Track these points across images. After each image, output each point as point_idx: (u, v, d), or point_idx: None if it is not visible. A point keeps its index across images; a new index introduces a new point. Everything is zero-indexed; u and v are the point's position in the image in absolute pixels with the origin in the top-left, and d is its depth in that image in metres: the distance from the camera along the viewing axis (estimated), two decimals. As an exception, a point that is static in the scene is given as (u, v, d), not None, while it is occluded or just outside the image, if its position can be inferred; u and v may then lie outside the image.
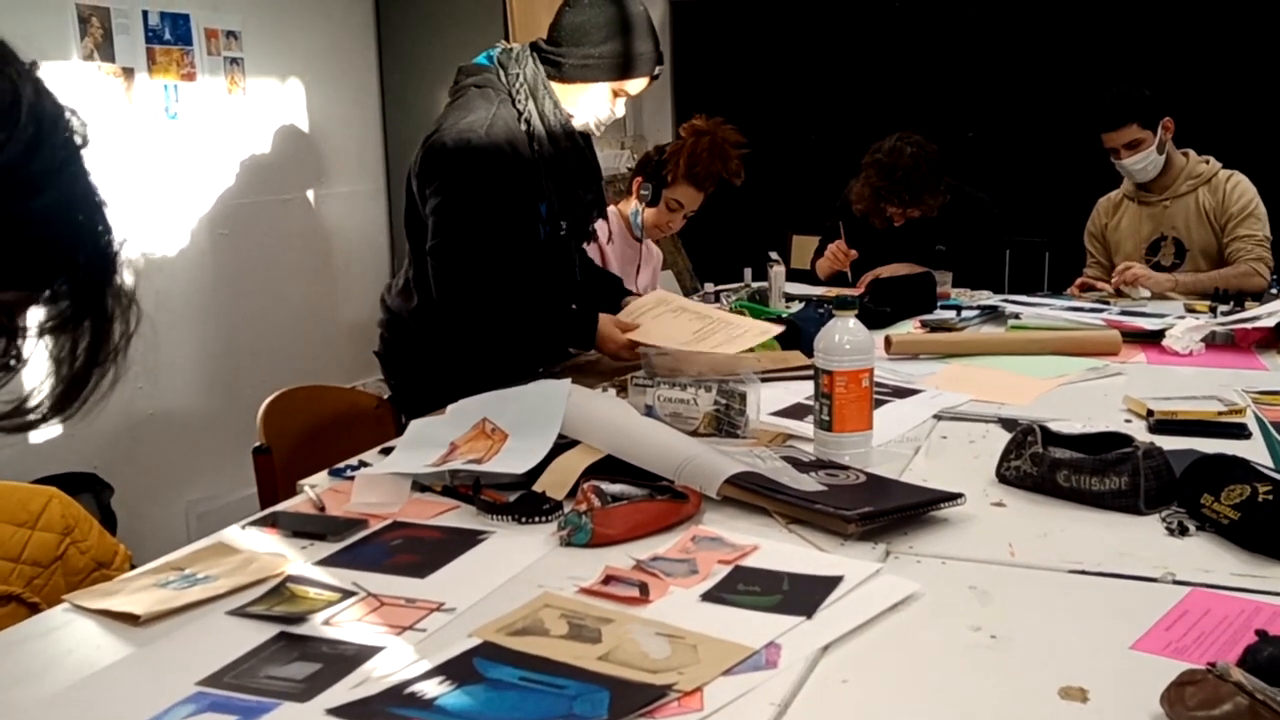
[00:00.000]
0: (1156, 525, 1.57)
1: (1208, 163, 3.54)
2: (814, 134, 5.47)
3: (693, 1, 5.46)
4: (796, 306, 3.25)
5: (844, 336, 1.81)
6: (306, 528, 1.63)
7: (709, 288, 3.70)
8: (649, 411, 1.99)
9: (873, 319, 2.99)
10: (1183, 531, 1.54)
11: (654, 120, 5.61)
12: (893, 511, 1.55)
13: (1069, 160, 4.99)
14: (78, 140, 0.84)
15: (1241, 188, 3.49)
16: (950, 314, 3.12)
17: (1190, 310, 3.08)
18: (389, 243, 4.45)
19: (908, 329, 2.99)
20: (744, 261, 3.75)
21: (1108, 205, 3.72)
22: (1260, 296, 3.13)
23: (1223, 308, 2.98)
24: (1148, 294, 3.37)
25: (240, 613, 1.35)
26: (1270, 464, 1.80)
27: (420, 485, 1.77)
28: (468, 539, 1.57)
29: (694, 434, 1.95)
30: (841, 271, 3.77)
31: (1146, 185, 3.56)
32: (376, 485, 1.74)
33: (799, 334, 2.67)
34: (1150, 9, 4.91)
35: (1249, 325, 2.69)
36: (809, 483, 1.66)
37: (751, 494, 1.62)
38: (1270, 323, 2.66)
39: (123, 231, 0.86)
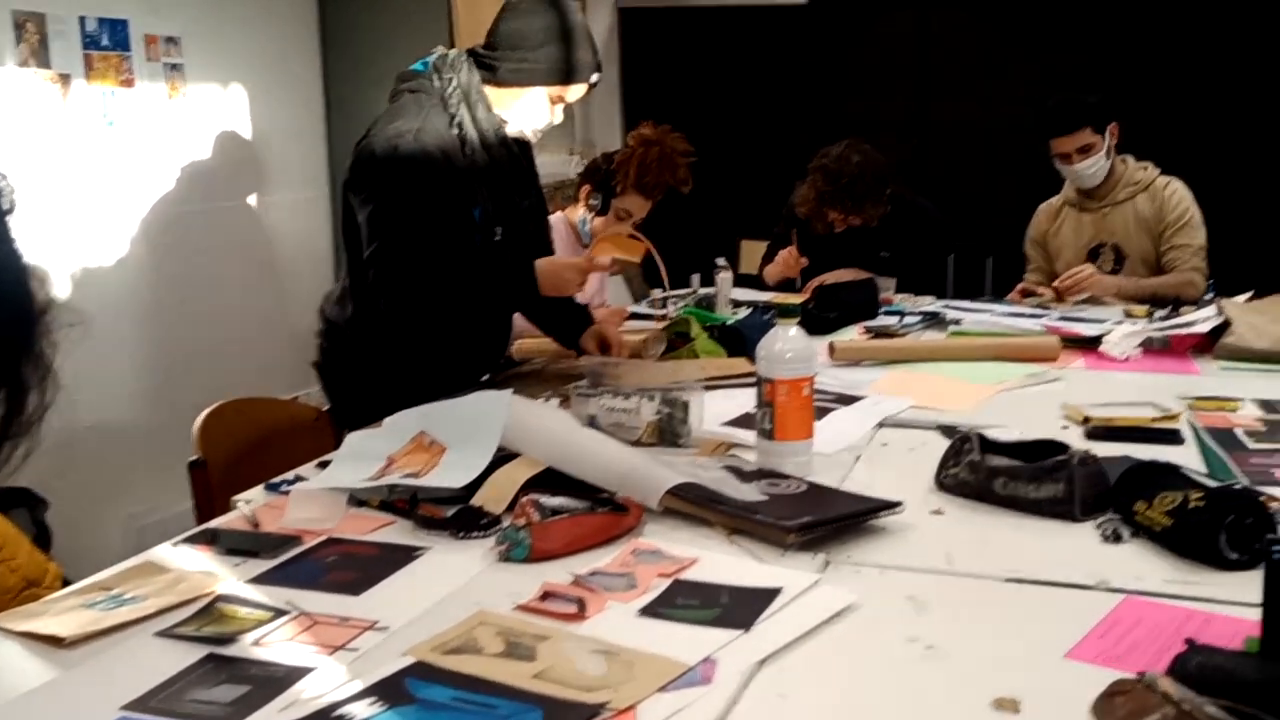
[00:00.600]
0: (1092, 532, 1.59)
1: (1146, 169, 3.59)
2: (763, 139, 5.49)
3: (641, 8, 5.46)
4: (743, 313, 3.26)
5: (785, 345, 1.81)
6: (239, 545, 1.60)
7: (657, 294, 3.70)
8: (591, 422, 1.98)
9: (817, 325, 3.01)
10: (1117, 539, 1.56)
11: (603, 126, 5.61)
12: (832, 521, 1.56)
13: (1011, 167, 5.05)
14: (4, 205, 0.81)
15: (1179, 196, 3.54)
16: (893, 320, 3.14)
17: (1128, 315, 3.12)
18: (332, 251, 4.40)
19: (852, 335, 3.01)
20: (693, 267, 3.75)
21: (1048, 212, 3.75)
22: (1196, 302, 3.18)
23: (1159, 313, 3.02)
24: (1085, 295, 3.40)
25: (168, 634, 1.33)
26: (1203, 470, 1.83)
27: (357, 500, 1.75)
28: (404, 555, 1.55)
29: (637, 444, 1.95)
30: (790, 278, 3.79)
31: (1087, 192, 3.60)
32: (312, 501, 1.72)
33: (744, 341, 2.67)
34: (1090, 16, 4.97)
35: (1184, 331, 2.73)
36: (750, 493, 1.66)
37: (693, 505, 1.62)
38: (1205, 328, 2.70)
39: (48, 296, 0.83)
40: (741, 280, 4.17)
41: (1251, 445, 1.95)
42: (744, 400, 2.28)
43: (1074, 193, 3.65)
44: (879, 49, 5.25)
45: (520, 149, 2.47)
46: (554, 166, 4.99)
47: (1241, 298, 2.91)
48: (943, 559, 1.51)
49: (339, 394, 2.59)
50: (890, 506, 1.62)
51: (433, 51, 2.46)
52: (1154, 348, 2.75)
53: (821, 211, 3.62)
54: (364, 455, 1.86)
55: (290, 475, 1.92)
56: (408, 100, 2.38)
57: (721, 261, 3.44)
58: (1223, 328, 2.67)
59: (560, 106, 2.44)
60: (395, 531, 1.65)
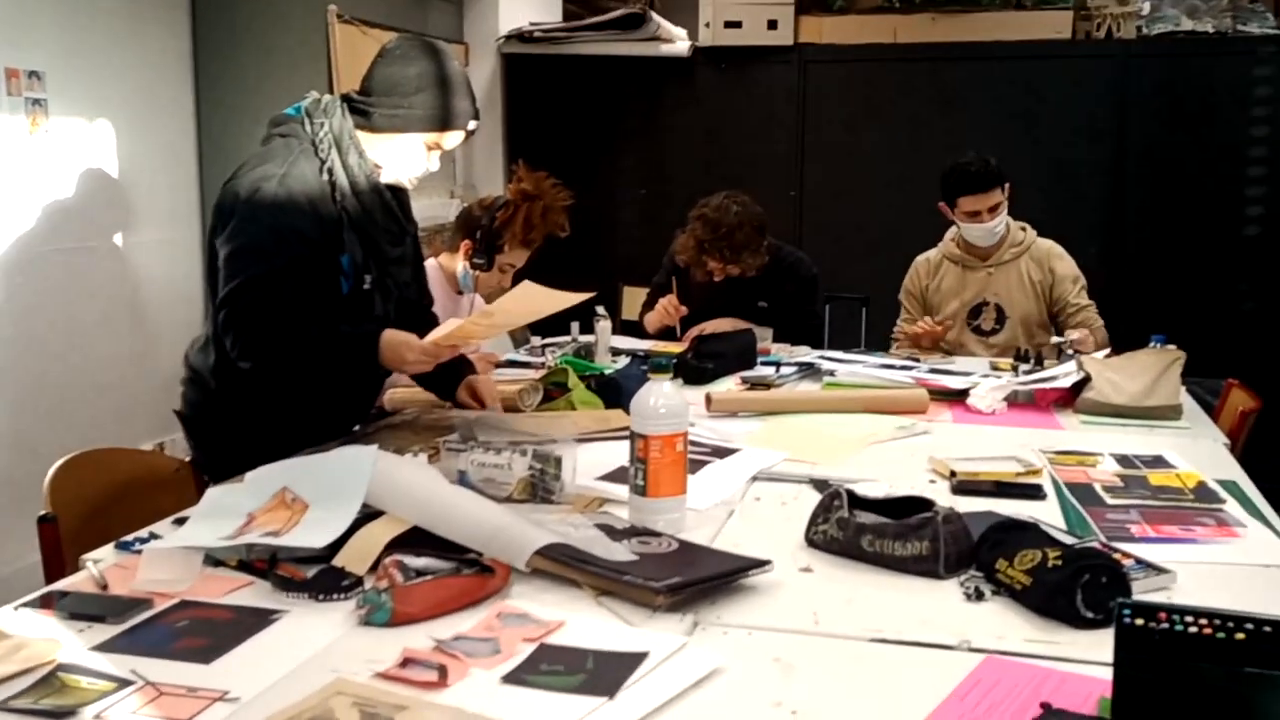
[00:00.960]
0: (955, 590, 1.61)
1: (1025, 230, 3.69)
2: (644, 187, 5.53)
3: (524, 54, 5.46)
4: (622, 362, 3.26)
5: (658, 399, 1.81)
6: (84, 609, 1.52)
7: (535, 341, 3.67)
8: (461, 477, 1.95)
9: (695, 375, 3.03)
10: (979, 597, 1.58)
11: (485, 170, 5.58)
12: (701, 581, 1.55)
13: (885, 217, 5.17)
14: None
15: (1065, 260, 3.66)
16: (769, 370, 3.17)
17: (994, 369, 3.20)
18: (203, 293, 4.28)
19: (729, 385, 3.03)
20: (572, 314, 3.73)
21: (927, 266, 3.80)
22: (1059, 356, 3.28)
23: (1024, 367, 3.10)
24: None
25: (4, 707, 1.25)
26: (1063, 525, 1.87)
27: (213, 560, 1.68)
28: (260, 619, 1.50)
29: (508, 500, 1.92)
30: (670, 326, 3.80)
31: (972, 250, 3.67)
32: (165, 560, 1.65)
33: (622, 392, 2.67)
34: (957, 74, 5.13)
35: (1047, 386, 2.81)
36: (620, 552, 1.64)
37: (561, 565, 1.59)
38: (1067, 383, 2.78)
39: None
40: (623, 326, 4.18)
41: (1109, 500, 2.01)
42: (620, 453, 2.26)
43: (957, 249, 3.71)
44: (758, 101, 5.34)
45: (394, 195, 2.43)
46: (434, 209, 4.94)
47: (1100, 354, 3.01)
48: (810, 619, 1.51)
49: (204, 444, 2.51)
50: (760, 565, 1.62)
51: (306, 96, 2.42)
52: (1019, 401, 2.82)
53: (701, 260, 3.65)
54: (223, 512, 1.80)
55: (144, 533, 1.84)
56: (277, 144, 2.33)
57: (601, 310, 3.44)
58: (1083, 383, 2.75)
59: (436, 154, 2.41)
60: (252, 593, 1.59)
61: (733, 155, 5.32)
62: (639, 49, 5.36)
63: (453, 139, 2.39)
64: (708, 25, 5.29)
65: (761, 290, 3.76)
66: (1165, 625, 1.13)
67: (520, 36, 5.42)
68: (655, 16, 5.31)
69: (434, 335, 2.32)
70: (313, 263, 2.27)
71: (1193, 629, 1.12)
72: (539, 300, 2.33)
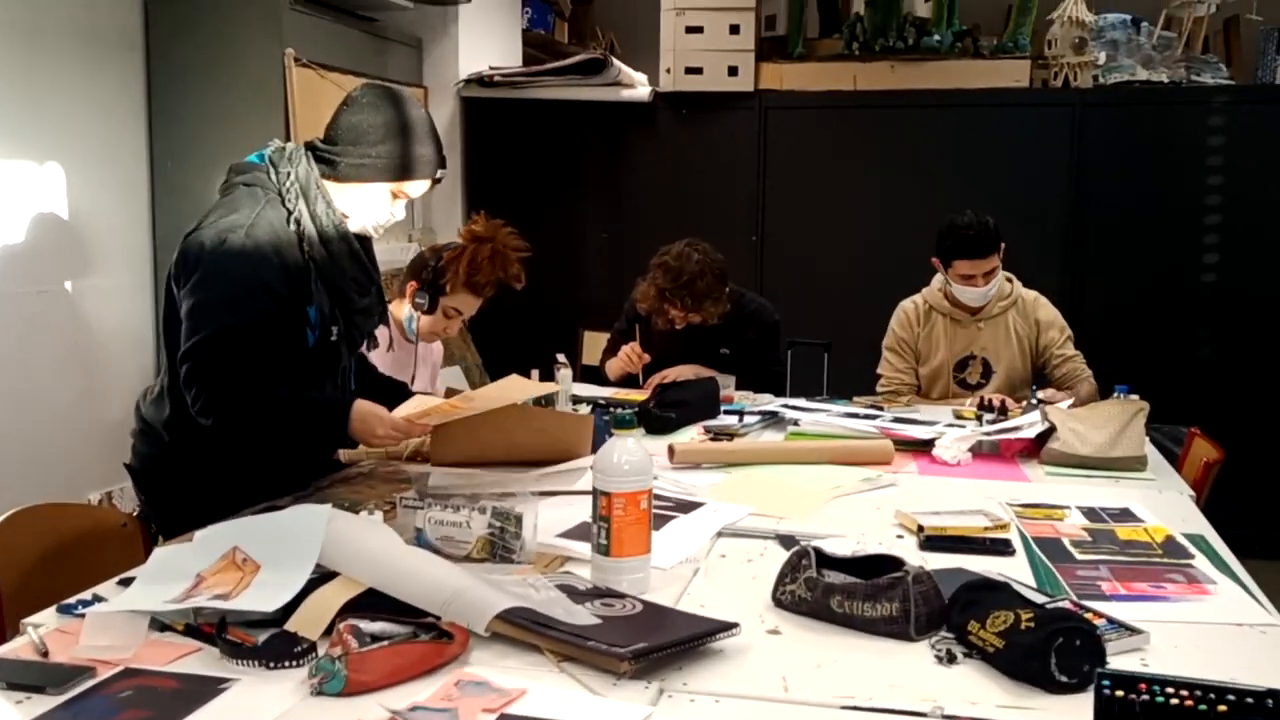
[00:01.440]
0: (927, 653, 1.57)
1: (1011, 281, 3.66)
2: (605, 231, 5.51)
3: (484, 99, 5.44)
4: (583, 410, 3.21)
5: (622, 456, 1.77)
6: (22, 679, 1.46)
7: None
8: (418, 536, 1.90)
9: (658, 424, 2.99)
10: (951, 660, 1.54)
11: (444, 214, 5.54)
12: (667, 647, 1.50)
13: (847, 263, 5.18)
14: None
15: (1050, 311, 3.64)
16: (733, 419, 3.14)
17: (957, 418, 3.18)
18: (155, 339, 4.19)
19: (692, 434, 2.99)
20: (532, 361, 3.69)
21: (916, 313, 3.72)
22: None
23: (988, 417, 3.08)
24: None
25: (-70, 789, 1.18)
26: (1033, 583, 1.84)
27: (160, 624, 1.62)
28: (208, 689, 1.43)
29: (466, 559, 1.87)
30: (632, 374, 3.77)
31: (959, 304, 3.63)
32: (108, 625, 1.58)
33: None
34: (915, 123, 5.17)
35: (1012, 436, 2.79)
36: (583, 615, 1.59)
37: (522, 630, 1.54)
38: (1031, 433, 2.77)
39: None
40: (583, 372, 4.14)
41: (1078, 556, 1.99)
42: (580, 508, 2.22)
43: (946, 302, 3.66)
44: (719, 146, 5.34)
45: (359, 245, 2.39)
46: (392, 254, 4.88)
47: (1064, 404, 3.00)
48: (779, 685, 1.47)
49: (155, 499, 2.43)
50: (727, 628, 1.57)
51: (269, 144, 2.38)
52: (983, 451, 2.81)
53: (663, 309, 3.62)
54: (170, 573, 1.73)
55: (87, 595, 1.77)
56: (242, 193, 2.28)
57: (561, 359, 3.40)
58: (1048, 433, 2.74)
59: (402, 202, 2.38)
60: (200, 660, 1.53)
61: (694, 200, 5.32)
62: (600, 94, 5.36)
63: (419, 187, 2.36)
64: (668, 71, 5.30)
65: (723, 337, 3.74)
66: (1146, 697, 1.10)
67: (480, 81, 5.41)
68: (616, 62, 5.32)
69: (404, 410, 2.28)
70: (280, 316, 2.22)
71: (1174, 700, 1.10)
72: (520, 389, 2.34)
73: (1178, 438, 3.37)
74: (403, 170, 2.31)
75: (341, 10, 4.57)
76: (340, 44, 4.51)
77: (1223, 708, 1.07)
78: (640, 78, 5.44)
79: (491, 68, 5.46)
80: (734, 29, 5.22)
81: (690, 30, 5.25)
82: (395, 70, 4.94)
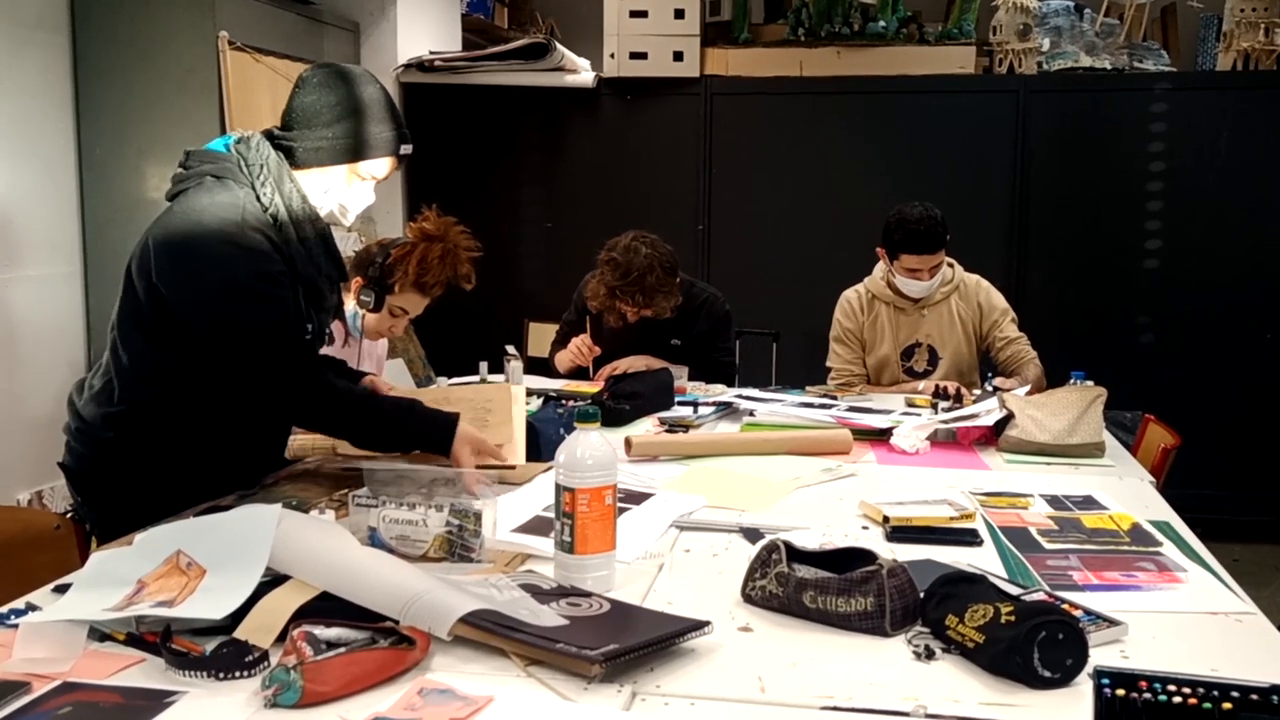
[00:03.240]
0: (903, 648, 1.53)
1: (952, 266, 3.65)
2: (550, 220, 5.43)
3: (424, 84, 5.33)
4: (535, 403, 3.14)
5: (586, 451, 1.70)
6: (-50, 697, 1.36)
7: (442, 382, 3.54)
8: (372, 536, 1.82)
9: (611, 417, 2.93)
10: (930, 656, 1.50)
11: (383, 204, 5.41)
12: (638, 648, 1.44)
13: (795, 250, 5.16)
14: None
15: (992, 294, 3.63)
16: (687, 411, 3.08)
17: (910, 405, 3.16)
18: (85, 331, 4.04)
19: (646, 426, 2.94)
20: (480, 350, 3.60)
21: (859, 302, 3.70)
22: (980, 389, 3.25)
23: (943, 404, 3.06)
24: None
25: None
26: (1004, 574, 1.81)
27: (99, 634, 1.52)
28: (152, 703, 1.35)
29: (423, 559, 1.79)
30: (582, 366, 3.70)
31: (902, 293, 3.61)
32: (43, 636, 1.48)
33: (539, 436, 2.56)
34: (860, 109, 5.16)
35: (969, 424, 2.77)
36: (549, 616, 1.53)
37: (487, 634, 1.47)
38: (989, 421, 2.75)
39: None
40: (531, 364, 4.06)
41: (1046, 545, 1.96)
42: (535, 501, 2.16)
43: (888, 290, 3.63)
44: (665, 132, 5.29)
45: (330, 235, 2.31)
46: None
47: (1020, 391, 2.99)
48: (754, 686, 1.42)
49: (93, 499, 2.31)
50: (699, 627, 1.52)
51: (232, 133, 2.27)
52: (940, 439, 2.78)
53: (614, 306, 3.55)
54: (109, 579, 1.63)
55: (20, 604, 1.67)
56: (212, 184, 2.16)
57: (511, 350, 3.32)
58: (1005, 421, 2.72)
59: (371, 184, 2.29)
60: (143, 672, 1.44)
61: (640, 188, 5.26)
62: (542, 79, 5.27)
63: (379, 167, 2.28)
64: (612, 56, 5.24)
65: (674, 329, 3.69)
66: (1148, 695, 1.06)
67: (420, 66, 5.30)
68: (559, 46, 5.23)
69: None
70: (289, 302, 2.18)
71: (1176, 699, 1.06)
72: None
73: (1121, 422, 3.37)
74: (363, 150, 2.23)
75: (277, -8, 4.44)
76: (275, 27, 4.38)
77: (1227, 705, 1.03)
78: (583, 63, 5.36)
79: (431, 52, 5.35)
80: (679, 13, 5.17)
81: (634, 14, 5.19)
82: (331, 54, 4.81)
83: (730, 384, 3.67)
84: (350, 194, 2.28)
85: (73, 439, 2.31)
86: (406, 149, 2.30)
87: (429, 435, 2.27)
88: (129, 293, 2.19)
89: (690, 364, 3.66)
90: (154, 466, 2.23)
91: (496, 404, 2.56)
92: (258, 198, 2.16)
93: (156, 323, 2.15)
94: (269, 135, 2.24)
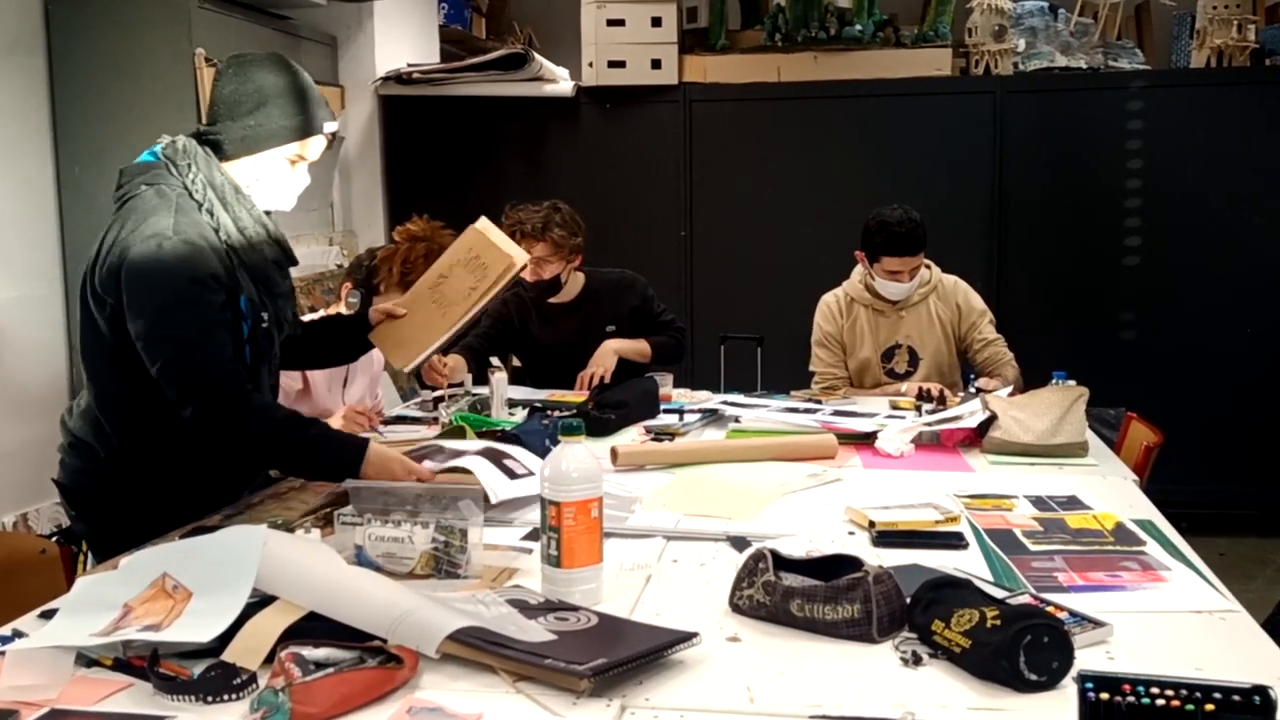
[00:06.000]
0: (891, 655, 1.54)
1: (930, 268, 3.66)
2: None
3: (403, 96, 5.33)
4: (520, 414, 3.14)
5: (571, 464, 1.71)
6: (-64, 728, 1.35)
7: (425, 395, 3.54)
8: (358, 554, 1.82)
9: (597, 426, 2.93)
10: (917, 661, 1.51)
11: (365, 215, 5.41)
12: (627, 662, 1.44)
13: (776, 255, 5.16)
14: None
15: (970, 295, 3.65)
16: (673, 418, 3.09)
17: (894, 408, 3.17)
18: (66, 352, 4.03)
19: (633, 435, 2.94)
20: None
21: (838, 306, 3.71)
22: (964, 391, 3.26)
23: (927, 407, 3.07)
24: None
25: None
26: (989, 577, 1.82)
27: (87, 659, 1.52)
28: (142, 729, 1.35)
29: (410, 576, 1.79)
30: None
31: (881, 295, 3.62)
32: (31, 663, 1.48)
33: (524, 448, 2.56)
34: (839, 114, 5.18)
35: (953, 426, 2.78)
36: (537, 631, 1.53)
37: (475, 650, 1.47)
38: (972, 423, 2.76)
39: None
40: (515, 375, 4.06)
41: (1031, 547, 1.97)
42: (519, 513, 2.17)
43: (867, 294, 3.65)
44: (644, 140, 5.29)
45: (273, 224, 2.32)
46: (313, 258, 4.77)
47: (1003, 392, 3.00)
48: (743, 696, 1.42)
49: (88, 514, 2.32)
50: (687, 639, 1.52)
51: (158, 140, 2.28)
52: (924, 442, 2.79)
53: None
54: (96, 603, 1.63)
55: (6, 630, 1.66)
56: (149, 195, 2.17)
57: (496, 361, 3.32)
58: (989, 422, 2.73)
59: (304, 166, 2.30)
60: (131, 697, 1.44)
61: (621, 196, 5.26)
62: (521, 89, 5.27)
63: (314, 147, 2.29)
64: (590, 65, 5.24)
65: (605, 317, 3.70)
66: (1131, 699, 1.07)
67: (398, 78, 5.29)
68: (537, 56, 5.24)
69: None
70: (225, 310, 2.16)
71: (1160, 701, 1.07)
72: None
73: (1106, 420, 3.39)
74: (291, 132, 2.25)
75: (252, 8, 4.43)
76: (252, 43, 4.36)
77: (1210, 706, 1.04)
78: (562, 72, 5.36)
79: (409, 65, 5.35)
80: (656, 21, 5.17)
81: (611, 23, 5.19)
82: (309, 68, 4.72)
83: (683, 338, 3.80)
84: (282, 178, 2.29)
85: (66, 455, 2.32)
86: (331, 126, 2.31)
87: (337, 455, 2.19)
88: (85, 318, 2.22)
89: (638, 338, 3.68)
90: (147, 482, 2.24)
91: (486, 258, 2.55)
92: (190, 196, 2.17)
93: (116, 344, 2.17)
94: (195, 134, 2.26)
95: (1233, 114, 4.92)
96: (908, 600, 1.61)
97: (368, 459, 2.15)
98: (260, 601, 1.57)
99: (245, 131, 2.22)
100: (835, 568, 1.68)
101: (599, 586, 1.73)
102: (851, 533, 2.11)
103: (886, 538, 2.04)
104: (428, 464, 2.23)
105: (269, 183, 2.29)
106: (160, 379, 2.11)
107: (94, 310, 2.17)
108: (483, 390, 3.30)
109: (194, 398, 2.11)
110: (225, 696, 1.41)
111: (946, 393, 3.19)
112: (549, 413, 3.06)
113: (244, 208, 2.23)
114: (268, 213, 2.33)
